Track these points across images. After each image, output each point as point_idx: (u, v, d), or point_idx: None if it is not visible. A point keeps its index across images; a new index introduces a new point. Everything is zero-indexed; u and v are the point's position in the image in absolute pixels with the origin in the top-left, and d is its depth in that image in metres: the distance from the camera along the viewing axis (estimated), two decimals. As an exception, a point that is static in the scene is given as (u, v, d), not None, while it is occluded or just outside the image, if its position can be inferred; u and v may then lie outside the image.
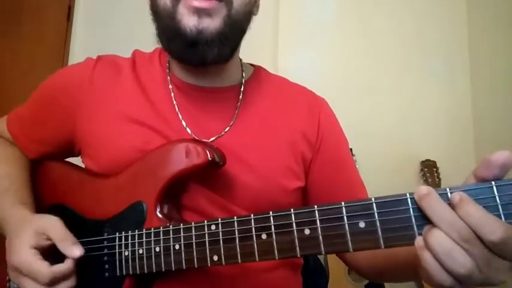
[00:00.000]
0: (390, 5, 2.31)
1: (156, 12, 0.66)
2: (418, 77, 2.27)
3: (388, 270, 0.62)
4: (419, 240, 0.40)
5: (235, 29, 0.65)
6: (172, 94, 0.72)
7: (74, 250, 0.59)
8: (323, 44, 2.25)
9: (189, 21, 0.61)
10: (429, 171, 1.98)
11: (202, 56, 0.63)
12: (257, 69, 0.83)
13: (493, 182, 0.38)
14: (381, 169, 2.05)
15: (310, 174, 0.75)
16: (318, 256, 1.83)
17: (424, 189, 0.40)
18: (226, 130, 0.70)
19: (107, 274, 0.64)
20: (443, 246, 0.38)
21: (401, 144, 2.15)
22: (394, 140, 2.17)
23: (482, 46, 2.23)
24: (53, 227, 0.61)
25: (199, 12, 0.61)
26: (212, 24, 0.61)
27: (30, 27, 2.02)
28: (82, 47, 2.10)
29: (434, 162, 2.02)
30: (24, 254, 0.58)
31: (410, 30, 2.30)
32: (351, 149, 1.94)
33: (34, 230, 0.61)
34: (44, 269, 0.57)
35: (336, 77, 2.22)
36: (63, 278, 0.58)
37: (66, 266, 0.58)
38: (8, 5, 1.97)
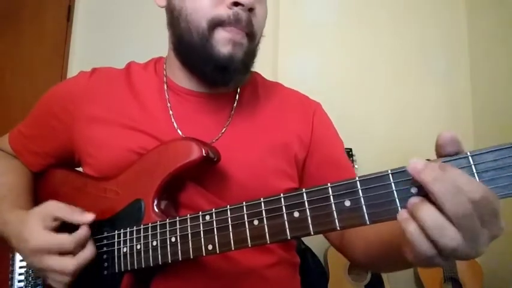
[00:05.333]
0: (390, 6, 2.31)
1: (183, 27, 0.69)
2: (418, 77, 2.27)
3: (382, 255, 0.62)
4: (402, 213, 0.40)
5: (253, 56, 0.72)
6: (167, 99, 0.74)
7: (86, 216, 0.63)
8: (323, 45, 2.26)
9: (224, 49, 0.66)
10: (429, 171, 1.99)
11: (230, 80, 0.70)
12: (253, 75, 0.84)
13: (468, 153, 0.40)
14: (380, 169, 2.03)
15: (305, 176, 0.77)
16: (318, 256, 1.84)
17: (419, 162, 0.40)
18: (222, 132, 0.72)
19: (106, 272, 0.65)
20: (434, 221, 0.38)
21: (401, 144, 2.15)
22: (394, 140, 2.17)
23: (482, 46, 2.23)
24: (56, 208, 0.64)
25: (235, 43, 0.66)
26: (240, 54, 0.67)
27: (30, 27, 2.03)
28: (82, 47, 2.11)
29: (434, 162, 2.02)
30: (41, 235, 0.61)
31: (410, 31, 2.31)
32: (351, 149, 1.96)
33: (38, 215, 0.63)
34: (66, 238, 0.60)
35: (336, 77, 2.23)
36: (83, 245, 0.62)
37: (83, 231, 0.62)
38: (7, 5, 1.98)
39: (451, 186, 0.37)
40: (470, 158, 0.40)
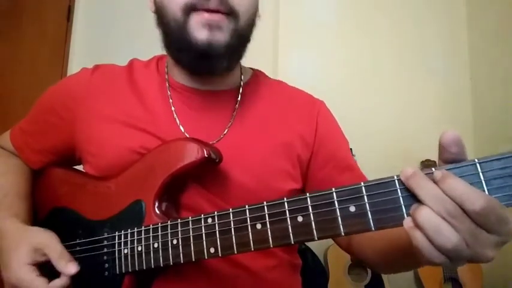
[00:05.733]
0: (390, 5, 2.31)
1: (164, 21, 0.68)
2: (418, 76, 2.27)
3: (394, 256, 0.61)
4: (408, 221, 0.41)
5: (242, 41, 0.69)
6: (169, 97, 0.74)
7: (70, 268, 0.61)
8: (323, 44, 2.26)
9: (200, 34, 0.63)
10: (429, 171, 1.99)
11: (213, 67, 0.68)
12: (256, 73, 0.84)
13: (476, 159, 0.40)
14: (380, 169, 2.02)
15: (310, 176, 0.76)
16: (318, 256, 1.84)
17: (410, 169, 0.41)
18: (224, 133, 0.71)
19: (106, 273, 0.64)
20: (431, 222, 0.38)
21: (401, 145, 2.15)
22: (394, 140, 2.17)
23: (482, 46, 2.23)
24: (50, 244, 0.63)
25: (211, 25, 0.63)
26: (222, 37, 0.64)
27: (30, 27, 2.02)
28: (82, 47, 2.11)
29: (434, 162, 2.02)
30: (23, 271, 0.60)
31: (410, 30, 2.31)
32: (351, 149, 1.95)
33: (31, 246, 0.62)
34: (43, 285, 0.59)
35: (336, 77, 2.23)
36: None
37: (62, 281, 0.60)
38: (8, 5, 1.98)
39: (436, 189, 0.39)
40: (478, 165, 0.39)
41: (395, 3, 2.32)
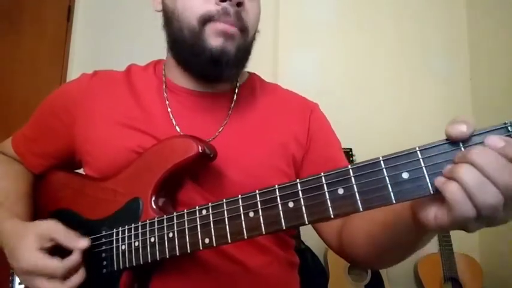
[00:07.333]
0: (390, 5, 2.32)
1: (175, 26, 0.70)
2: (418, 77, 2.28)
3: (388, 241, 0.60)
4: (439, 178, 0.40)
5: (246, 53, 0.74)
6: (166, 98, 0.75)
7: (81, 242, 0.63)
8: (323, 44, 2.27)
9: (215, 42, 0.67)
10: (429, 171, 1.99)
11: (221, 73, 0.70)
12: (251, 76, 0.86)
13: (508, 121, 0.41)
14: None
15: (302, 174, 0.77)
16: (318, 256, 1.84)
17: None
18: (220, 130, 0.73)
19: (104, 270, 0.65)
20: (475, 178, 0.38)
21: (401, 144, 2.11)
22: (394, 140, 2.16)
23: (482, 46, 2.23)
24: (54, 228, 0.64)
25: (225, 35, 0.67)
26: (232, 48, 0.68)
27: (30, 27, 2.03)
28: (82, 47, 2.12)
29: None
30: (34, 257, 0.61)
31: (410, 30, 2.31)
32: (351, 149, 1.96)
33: (36, 234, 0.63)
34: (58, 264, 0.60)
35: (336, 77, 2.23)
36: (74, 270, 0.62)
37: (75, 257, 0.62)
38: (8, 5, 1.98)
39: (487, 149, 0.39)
40: (509, 127, 0.41)
41: (396, 4, 2.33)
